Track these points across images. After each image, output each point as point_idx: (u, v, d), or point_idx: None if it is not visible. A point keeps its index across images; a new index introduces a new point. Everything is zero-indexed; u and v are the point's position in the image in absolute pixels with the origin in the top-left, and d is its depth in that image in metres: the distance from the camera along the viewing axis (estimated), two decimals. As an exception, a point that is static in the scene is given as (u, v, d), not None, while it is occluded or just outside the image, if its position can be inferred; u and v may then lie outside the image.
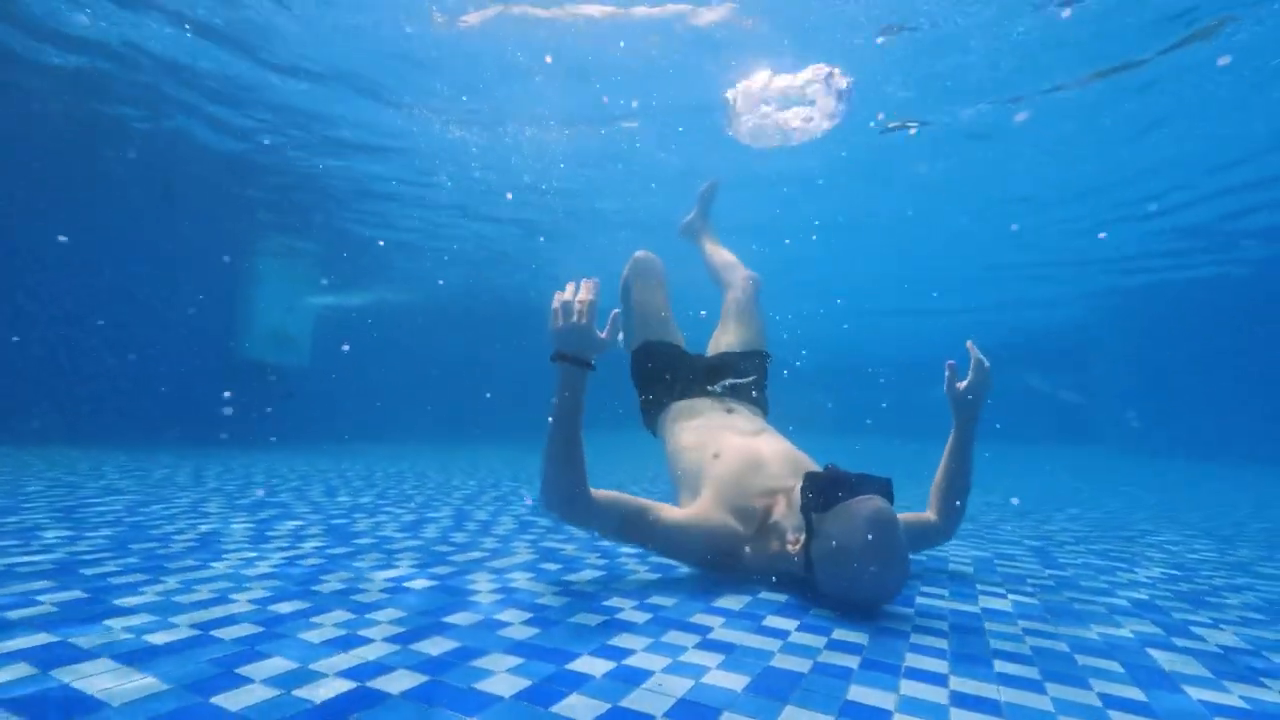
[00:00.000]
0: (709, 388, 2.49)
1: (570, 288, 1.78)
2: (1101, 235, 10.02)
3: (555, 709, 1.05)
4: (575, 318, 1.72)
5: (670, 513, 1.88)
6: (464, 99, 6.28)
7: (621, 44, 5.33)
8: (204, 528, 2.49)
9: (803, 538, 1.70)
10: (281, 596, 1.63)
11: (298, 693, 1.07)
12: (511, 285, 13.86)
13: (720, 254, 3.24)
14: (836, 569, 1.61)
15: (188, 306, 8.79)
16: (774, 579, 1.95)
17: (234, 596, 1.60)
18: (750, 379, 2.56)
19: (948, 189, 8.61)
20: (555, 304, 1.75)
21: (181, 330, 8.75)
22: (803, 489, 1.74)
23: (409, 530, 2.65)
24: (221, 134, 6.89)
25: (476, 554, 2.25)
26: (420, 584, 1.82)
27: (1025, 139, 6.95)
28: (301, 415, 9.81)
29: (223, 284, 9.43)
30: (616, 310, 1.80)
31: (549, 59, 5.58)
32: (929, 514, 2.15)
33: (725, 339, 2.82)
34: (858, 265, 13.00)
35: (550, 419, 1.75)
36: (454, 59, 5.60)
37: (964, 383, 2.12)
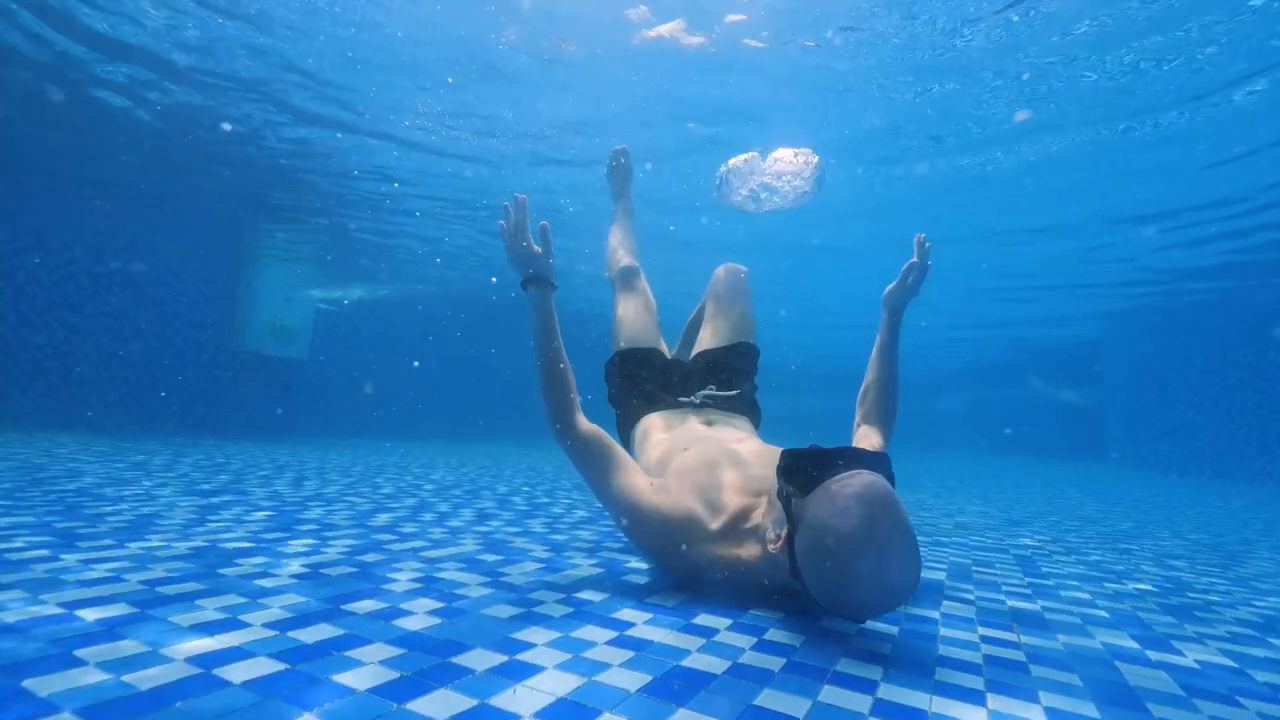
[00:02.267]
0: (682, 399, 2.23)
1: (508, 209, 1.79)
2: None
3: (410, 704, 0.93)
4: (510, 240, 1.77)
5: (642, 480, 1.66)
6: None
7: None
8: (145, 510, 2.40)
9: (784, 532, 1.37)
10: (180, 578, 1.52)
11: (127, 678, 0.96)
12: (515, 281, 13.71)
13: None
14: (823, 565, 1.25)
15: (187, 296, 8.81)
16: (771, 592, 1.63)
17: (127, 576, 1.50)
18: (734, 392, 2.26)
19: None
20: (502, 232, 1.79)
21: (180, 320, 8.76)
22: (779, 470, 1.42)
23: (359, 519, 2.54)
24: (226, 120, 6.89)
25: (417, 544, 2.14)
26: (339, 570, 1.70)
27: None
28: (301, 409, 9.80)
29: (223, 275, 9.43)
30: (544, 223, 1.80)
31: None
32: (868, 432, 2.04)
33: (707, 335, 2.48)
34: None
35: (532, 343, 1.77)
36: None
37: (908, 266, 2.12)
